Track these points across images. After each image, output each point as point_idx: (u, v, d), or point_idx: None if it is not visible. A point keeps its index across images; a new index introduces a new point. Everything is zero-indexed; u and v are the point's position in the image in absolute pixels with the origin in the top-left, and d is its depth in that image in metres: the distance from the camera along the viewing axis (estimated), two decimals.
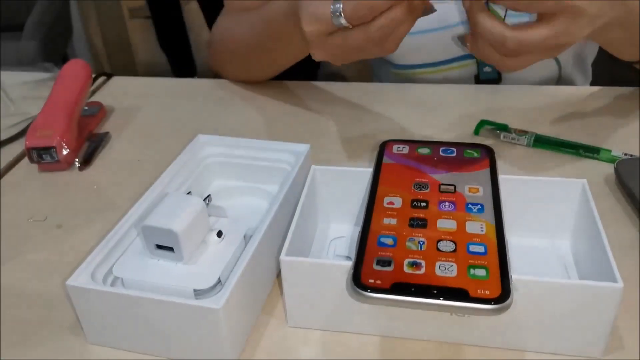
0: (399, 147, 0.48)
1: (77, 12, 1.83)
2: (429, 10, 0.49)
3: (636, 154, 0.57)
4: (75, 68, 0.68)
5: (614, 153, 0.57)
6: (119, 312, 0.38)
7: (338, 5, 0.47)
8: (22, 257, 0.49)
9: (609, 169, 0.56)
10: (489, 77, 0.75)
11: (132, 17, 2.41)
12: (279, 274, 0.42)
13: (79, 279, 0.39)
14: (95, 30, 1.91)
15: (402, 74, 0.78)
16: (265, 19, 0.67)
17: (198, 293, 0.39)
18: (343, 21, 0.48)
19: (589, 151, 0.58)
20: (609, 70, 0.63)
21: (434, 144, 0.49)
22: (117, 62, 2.09)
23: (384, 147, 0.49)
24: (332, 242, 0.49)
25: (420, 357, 0.39)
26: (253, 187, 0.54)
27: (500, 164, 0.50)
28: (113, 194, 0.57)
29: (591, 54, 0.83)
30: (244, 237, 0.43)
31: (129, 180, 0.59)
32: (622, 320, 0.40)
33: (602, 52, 0.71)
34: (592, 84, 0.83)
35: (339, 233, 0.49)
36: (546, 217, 0.46)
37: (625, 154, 0.57)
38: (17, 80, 0.80)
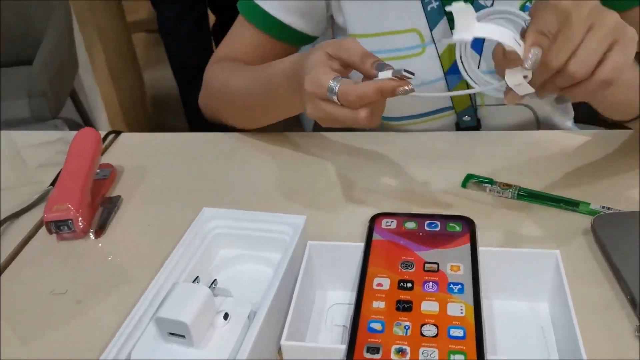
0: (387, 222, 0.53)
1: (82, 46, 1.88)
2: (409, 91, 0.53)
3: (615, 205, 0.61)
4: (86, 137, 0.73)
5: (592, 206, 0.61)
6: None
7: (335, 84, 0.52)
8: (48, 333, 0.54)
9: (588, 221, 0.59)
10: (468, 125, 0.78)
11: (134, 32, 2.48)
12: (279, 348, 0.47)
13: None
14: (99, 57, 1.97)
15: (390, 125, 0.82)
16: (265, 77, 0.71)
17: None
18: (335, 98, 0.52)
19: (569, 204, 0.62)
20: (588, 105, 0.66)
21: (419, 217, 0.53)
22: (124, 85, 2.15)
23: (373, 222, 0.53)
24: (330, 310, 0.53)
25: None
26: (255, 255, 0.58)
27: (485, 217, 0.54)
28: (127, 263, 0.62)
29: None
30: (248, 316, 0.48)
31: (141, 248, 0.64)
32: None
33: None
34: (574, 120, 0.86)
35: (335, 300, 0.54)
36: (525, 283, 0.50)
37: (604, 207, 0.61)
38: (30, 141, 0.85)
